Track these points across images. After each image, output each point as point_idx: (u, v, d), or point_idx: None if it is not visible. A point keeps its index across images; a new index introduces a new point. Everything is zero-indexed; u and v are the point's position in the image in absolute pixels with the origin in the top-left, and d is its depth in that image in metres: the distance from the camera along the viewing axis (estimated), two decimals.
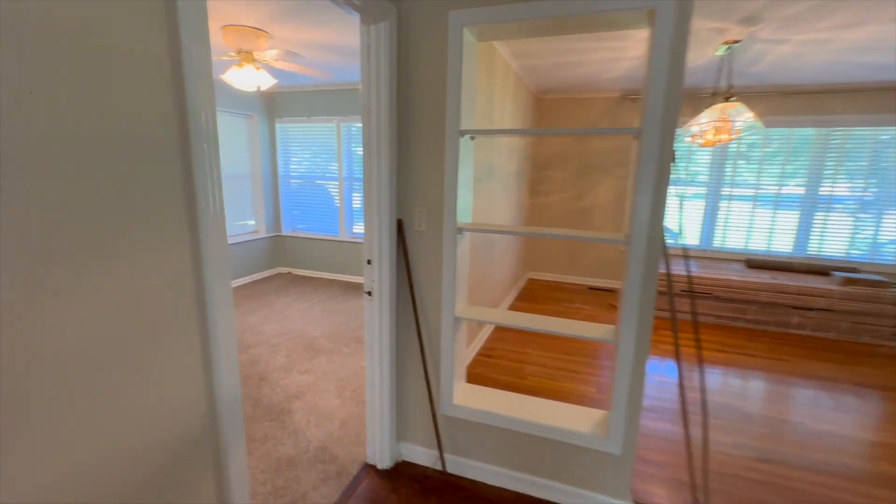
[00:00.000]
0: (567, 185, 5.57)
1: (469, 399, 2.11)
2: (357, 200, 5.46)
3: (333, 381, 2.96)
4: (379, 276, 1.92)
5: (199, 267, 1.00)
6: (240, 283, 5.26)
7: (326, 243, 5.61)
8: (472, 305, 2.14)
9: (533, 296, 5.12)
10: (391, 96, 1.79)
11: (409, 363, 2.11)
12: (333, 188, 5.48)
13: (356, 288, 5.22)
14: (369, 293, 1.96)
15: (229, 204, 5.15)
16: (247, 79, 3.10)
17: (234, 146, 5.16)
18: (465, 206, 2.00)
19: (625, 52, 3.48)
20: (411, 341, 2.08)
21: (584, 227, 5.58)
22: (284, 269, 5.92)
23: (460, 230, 1.92)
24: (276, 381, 2.93)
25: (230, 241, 5.10)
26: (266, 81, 3.19)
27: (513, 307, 4.68)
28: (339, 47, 3.51)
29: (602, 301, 5.00)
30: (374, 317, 1.97)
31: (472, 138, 1.99)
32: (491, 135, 2.89)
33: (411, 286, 1.98)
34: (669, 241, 1.73)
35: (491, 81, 3.27)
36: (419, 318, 2.03)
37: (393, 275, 1.95)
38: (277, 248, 5.85)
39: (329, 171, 5.47)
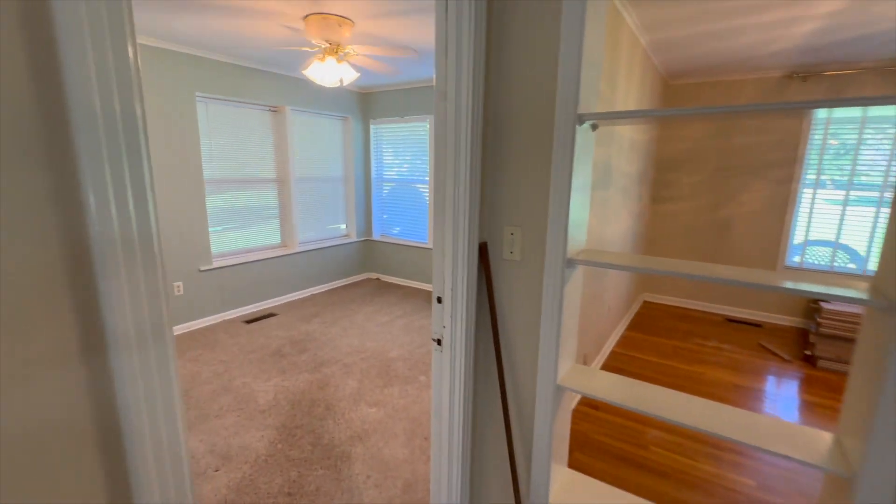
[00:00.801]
0: (700, 190, 4.51)
1: (571, 497, 1.48)
2: None
3: (404, 420, 2.53)
4: (452, 321, 1.40)
5: (97, 345, 0.56)
6: (327, 289, 5.18)
7: (414, 250, 5.30)
8: (583, 367, 1.51)
9: (651, 326, 4.20)
10: (476, 68, 1.25)
11: (489, 437, 1.55)
12: (424, 190, 5.14)
13: None
14: (438, 341, 1.44)
15: (322, 208, 5.09)
16: (329, 73, 2.82)
17: (327, 149, 5.08)
18: (579, 225, 1.38)
19: (812, 8, 2.50)
20: (493, 409, 1.52)
21: (722, 242, 4.46)
22: (373, 275, 5.76)
23: (571, 262, 1.31)
24: (342, 414, 2.58)
25: (322, 245, 5.03)
26: (348, 75, 2.88)
27: (624, 340, 3.84)
28: (423, 40, 3.08)
29: (748, 339, 3.89)
30: (444, 373, 1.45)
31: (595, 127, 1.36)
32: (622, 120, 2.18)
33: (496, 336, 1.42)
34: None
35: (614, 60, 2.56)
36: (505, 380, 1.47)
37: (471, 319, 1.41)
38: (366, 253, 5.70)
39: (421, 173, 5.13)
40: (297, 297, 4.81)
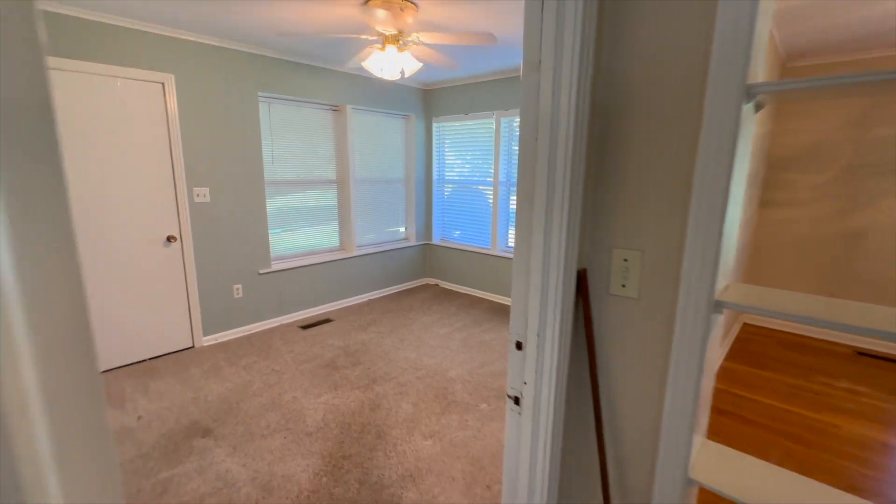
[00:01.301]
0: (823, 194, 3.72)
1: None
2: (514, 205, 4.62)
3: (463, 459, 2.19)
4: (537, 376, 1.03)
5: None
6: (384, 294, 4.99)
7: (477, 256, 4.95)
8: (719, 448, 1.07)
9: (757, 356, 3.51)
10: (586, 23, 0.87)
11: None
12: (488, 193, 4.77)
13: (506, 313, 4.41)
14: (516, 400, 1.08)
15: (381, 210, 4.90)
16: (389, 64, 2.55)
17: (388, 149, 4.89)
18: (729, 252, 0.96)
19: None
20: (587, 499, 1.13)
21: (850, 258, 3.65)
22: (432, 281, 5.49)
23: (719, 304, 0.89)
24: (395, 444, 2.30)
25: (380, 249, 4.84)
26: (410, 65, 2.59)
27: (725, 373, 3.21)
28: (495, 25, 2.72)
29: (892, 381, 3.10)
30: (523, 444, 1.09)
31: (759, 107, 0.93)
32: (800, 91, 1.57)
33: (596, 400, 1.03)
34: None
35: None
36: (607, 462, 1.07)
37: (563, 375, 1.03)
38: (426, 257, 5.45)
39: (484, 174, 4.78)
40: (353, 303, 4.65)
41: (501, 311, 4.46)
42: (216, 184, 3.45)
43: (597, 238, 1.03)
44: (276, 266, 3.94)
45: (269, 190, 3.85)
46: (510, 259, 4.60)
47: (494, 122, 4.51)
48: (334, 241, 4.54)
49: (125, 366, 3.14)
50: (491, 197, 4.73)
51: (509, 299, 4.80)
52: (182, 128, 3.21)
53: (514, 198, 4.55)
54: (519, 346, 1.05)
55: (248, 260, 3.74)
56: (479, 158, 4.82)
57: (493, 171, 4.64)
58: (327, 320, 4.15)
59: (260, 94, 3.63)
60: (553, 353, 1.00)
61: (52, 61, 2.62)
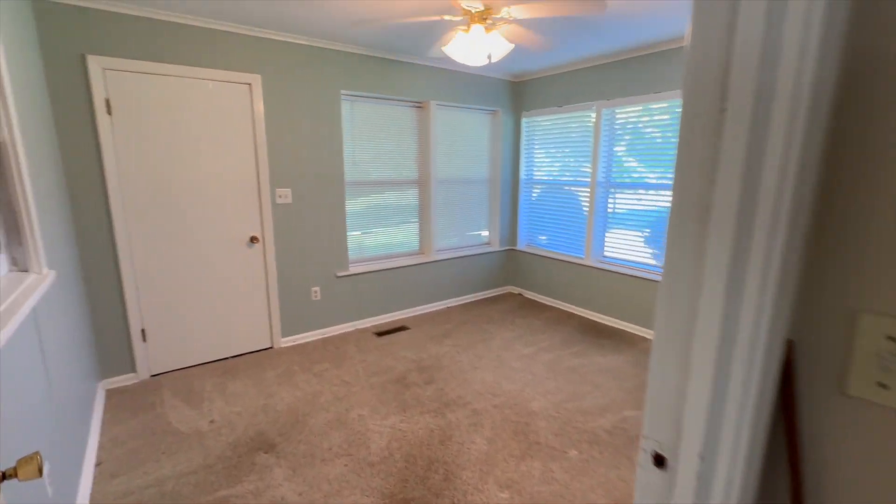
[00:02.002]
0: None
1: None
2: (612, 206, 4.02)
3: None
4: None
5: None
6: (463, 302, 4.67)
7: (568, 266, 4.42)
8: None
9: None
10: None
11: None
12: (583, 196, 4.22)
13: (600, 334, 3.84)
14: None
15: (464, 212, 4.60)
16: (474, 47, 2.21)
17: (473, 147, 4.56)
18: None
19: None
20: None
21: None
22: (515, 290, 5.06)
23: None
24: (465, 492, 1.96)
25: (461, 254, 4.55)
26: (499, 48, 2.22)
27: None
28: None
29: None
30: None
31: None
32: None
33: None
34: None
35: None
36: None
37: None
38: (510, 264, 5.03)
39: (578, 173, 4.23)
40: (430, 310, 4.41)
41: (594, 331, 3.89)
42: (298, 185, 3.40)
43: (820, 292, 0.57)
44: (353, 269, 3.83)
45: (349, 191, 3.75)
46: (607, 271, 4.01)
47: (594, 114, 3.95)
48: (413, 244, 4.34)
49: (209, 362, 3.21)
50: (586, 200, 4.18)
51: (604, 317, 4.21)
52: (267, 128, 3.19)
53: (612, 200, 3.96)
54: (660, 461, 0.64)
55: (327, 262, 3.67)
56: (571, 156, 4.29)
57: (589, 170, 4.08)
58: (403, 328, 3.95)
59: (343, 92, 3.52)
60: (730, 493, 0.57)
61: (154, 67, 2.71)
